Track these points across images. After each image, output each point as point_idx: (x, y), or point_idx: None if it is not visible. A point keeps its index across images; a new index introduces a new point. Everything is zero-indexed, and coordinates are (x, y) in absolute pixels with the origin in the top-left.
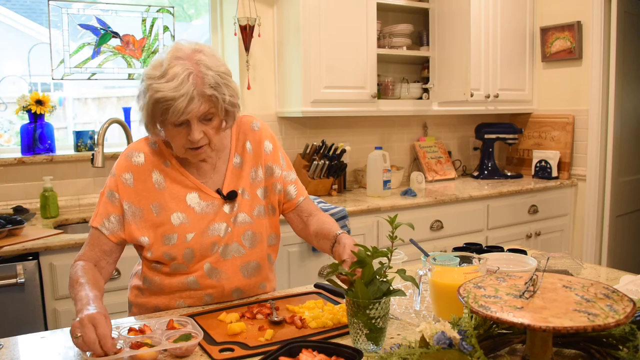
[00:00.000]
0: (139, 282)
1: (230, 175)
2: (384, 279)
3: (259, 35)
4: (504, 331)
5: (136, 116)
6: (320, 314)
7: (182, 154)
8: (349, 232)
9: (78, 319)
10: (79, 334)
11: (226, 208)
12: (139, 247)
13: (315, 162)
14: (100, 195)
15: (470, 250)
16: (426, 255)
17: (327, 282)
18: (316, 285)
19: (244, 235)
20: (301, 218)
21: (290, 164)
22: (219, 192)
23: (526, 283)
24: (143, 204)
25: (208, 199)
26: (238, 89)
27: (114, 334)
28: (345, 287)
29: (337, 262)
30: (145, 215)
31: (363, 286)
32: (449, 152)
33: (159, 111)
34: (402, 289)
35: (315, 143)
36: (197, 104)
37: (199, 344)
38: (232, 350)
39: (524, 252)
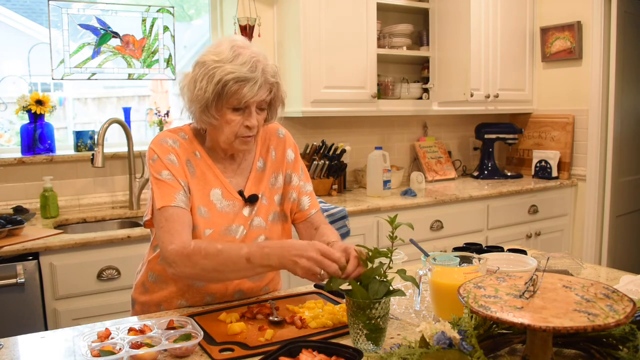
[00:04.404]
0: (144, 279)
1: (253, 179)
2: (384, 279)
3: (259, 35)
4: (504, 331)
5: (181, 104)
6: (320, 314)
7: (230, 142)
8: (348, 232)
9: (300, 257)
10: (322, 272)
11: (245, 211)
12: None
13: (315, 162)
14: (153, 183)
15: (470, 250)
16: (426, 255)
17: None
18: (316, 286)
19: (257, 240)
20: (309, 231)
21: (308, 176)
22: (240, 193)
23: (526, 283)
24: (188, 180)
25: (230, 198)
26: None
27: (114, 334)
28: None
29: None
30: (191, 189)
31: (362, 287)
32: (449, 152)
33: (226, 92)
34: (402, 289)
35: (315, 143)
36: (265, 89)
37: (199, 344)
38: (232, 350)
39: (524, 252)
